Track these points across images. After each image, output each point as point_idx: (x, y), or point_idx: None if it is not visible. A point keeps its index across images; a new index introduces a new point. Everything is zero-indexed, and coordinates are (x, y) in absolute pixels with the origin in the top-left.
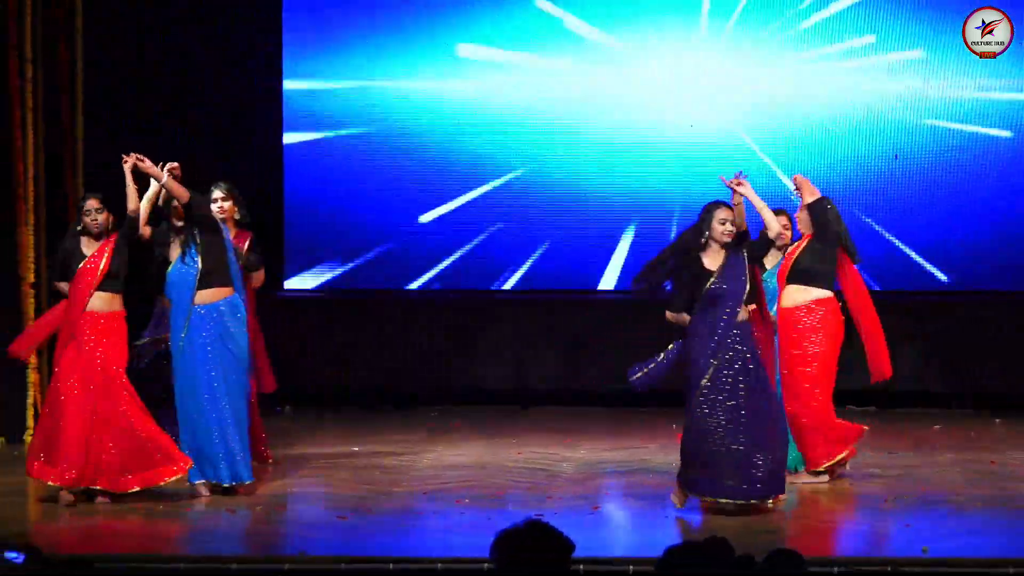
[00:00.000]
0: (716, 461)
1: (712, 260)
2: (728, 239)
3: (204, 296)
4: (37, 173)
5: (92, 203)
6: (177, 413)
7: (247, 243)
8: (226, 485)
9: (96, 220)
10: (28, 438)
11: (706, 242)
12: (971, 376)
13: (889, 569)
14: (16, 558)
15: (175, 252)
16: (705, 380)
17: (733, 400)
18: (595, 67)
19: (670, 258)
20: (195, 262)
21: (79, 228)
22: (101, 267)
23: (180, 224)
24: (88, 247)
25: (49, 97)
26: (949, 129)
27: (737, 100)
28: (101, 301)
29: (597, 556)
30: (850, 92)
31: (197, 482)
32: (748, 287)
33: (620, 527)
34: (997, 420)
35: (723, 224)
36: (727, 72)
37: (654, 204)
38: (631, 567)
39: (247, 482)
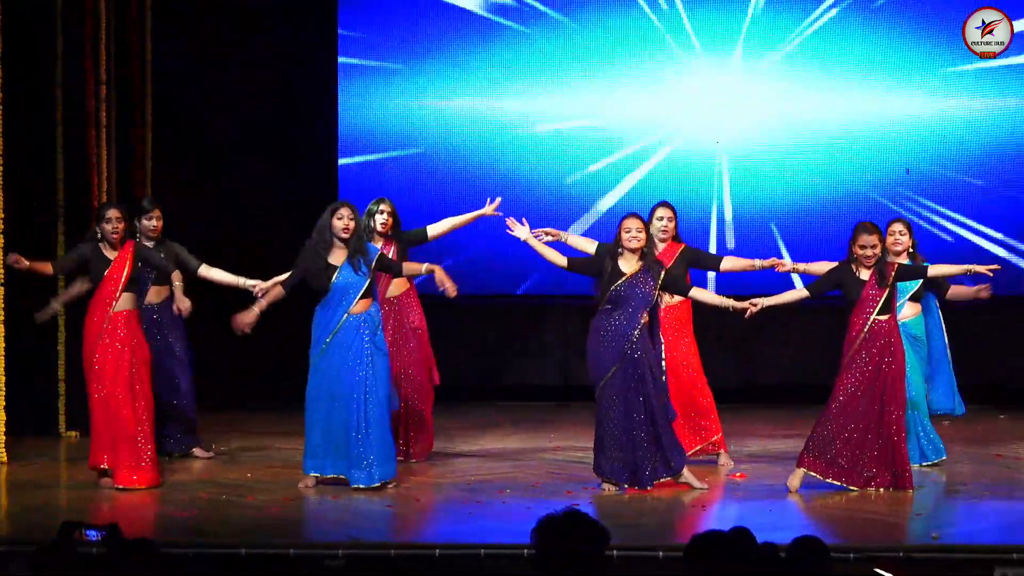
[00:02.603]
0: (620, 451)
1: (627, 264)
2: (635, 244)
3: (360, 306)
4: (110, 187)
5: (113, 213)
6: (309, 412)
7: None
8: (371, 486)
9: (116, 230)
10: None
11: (621, 249)
12: (978, 375)
13: (901, 555)
14: (93, 535)
15: (339, 258)
16: (608, 377)
17: (635, 397)
18: (629, 87)
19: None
20: (365, 276)
21: (98, 236)
22: (125, 273)
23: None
24: (109, 252)
25: (121, 117)
26: (959, 144)
27: (761, 119)
28: (129, 301)
29: (630, 542)
30: (868, 111)
31: (311, 474)
32: (655, 295)
33: (651, 515)
34: (1002, 416)
35: (628, 232)
36: (753, 93)
37: (684, 215)
38: (661, 553)
39: (390, 479)
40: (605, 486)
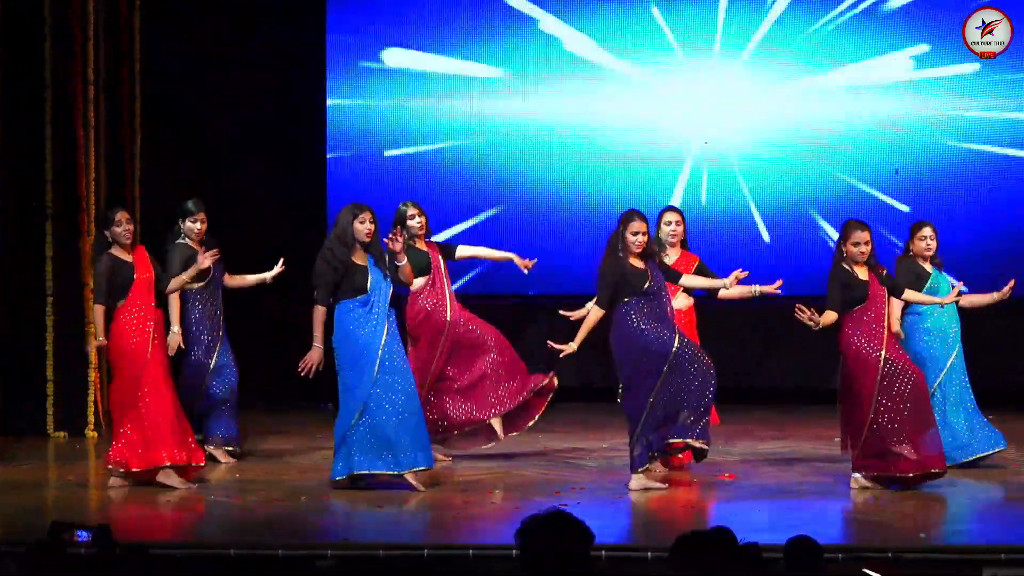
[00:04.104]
0: (682, 413)
1: (637, 261)
2: (639, 249)
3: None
4: (99, 187)
5: (122, 215)
6: (372, 408)
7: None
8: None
9: (128, 230)
10: (90, 433)
11: (624, 248)
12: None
13: (890, 555)
14: (83, 536)
15: (362, 258)
16: (672, 355)
17: (694, 367)
18: (618, 90)
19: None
20: (390, 284)
21: (109, 242)
22: (151, 273)
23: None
24: (126, 256)
25: (110, 117)
26: (944, 145)
27: (748, 119)
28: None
29: (617, 542)
30: (852, 111)
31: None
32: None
33: (640, 515)
34: (989, 416)
35: (635, 235)
36: (739, 93)
37: None
38: (649, 553)
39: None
40: (639, 479)
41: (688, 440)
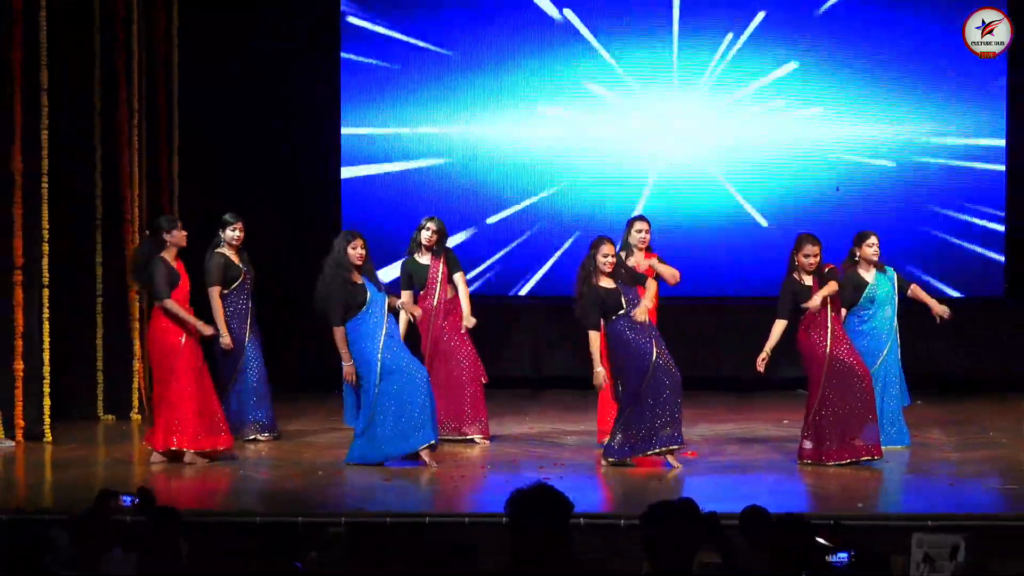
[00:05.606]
0: (664, 429)
1: (608, 281)
2: (609, 269)
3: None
4: (141, 202)
5: (181, 224)
6: (379, 407)
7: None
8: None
9: (184, 237)
10: (135, 416)
11: (596, 270)
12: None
13: (831, 523)
14: (128, 501)
15: (357, 277)
16: (652, 362)
17: (668, 374)
18: (594, 115)
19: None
20: (384, 294)
21: (164, 246)
22: (187, 283)
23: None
24: (174, 263)
25: (151, 140)
26: (879, 165)
27: (707, 142)
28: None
29: (594, 511)
30: (801, 135)
31: (425, 447)
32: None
33: (614, 488)
34: (919, 402)
35: (606, 257)
36: (699, 119)
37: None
38: (622, 520)
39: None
40: (608, 462)
41: (672, 447)
